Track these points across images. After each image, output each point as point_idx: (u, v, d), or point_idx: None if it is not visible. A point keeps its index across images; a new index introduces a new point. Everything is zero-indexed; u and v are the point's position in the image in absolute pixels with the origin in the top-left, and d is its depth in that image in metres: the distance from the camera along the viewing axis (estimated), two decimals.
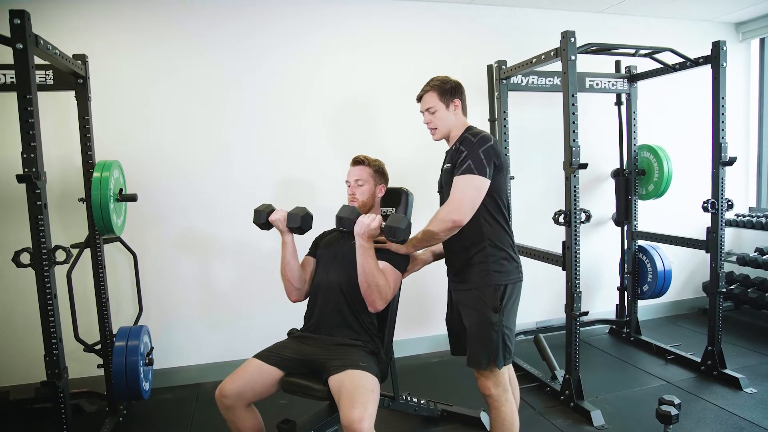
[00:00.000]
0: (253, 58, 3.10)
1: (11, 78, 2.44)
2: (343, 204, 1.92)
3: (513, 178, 3.06)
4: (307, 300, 2.12)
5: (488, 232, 1.84)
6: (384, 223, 1.81)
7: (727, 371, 2.86)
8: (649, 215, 3.69)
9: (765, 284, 3.75)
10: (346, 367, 1.74)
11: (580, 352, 2.65)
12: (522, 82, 3.13)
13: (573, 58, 2.45)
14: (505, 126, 3.09)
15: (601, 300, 3.87)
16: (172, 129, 3.00)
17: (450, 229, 1.77)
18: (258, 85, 3.12)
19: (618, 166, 3.60)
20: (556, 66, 2.75)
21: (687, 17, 3.96)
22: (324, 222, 2.23)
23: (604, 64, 3.43)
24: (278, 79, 3.15)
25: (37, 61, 1.97)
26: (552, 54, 2.57)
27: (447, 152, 1.97)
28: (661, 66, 3.14)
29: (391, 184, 2.25)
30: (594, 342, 3.61)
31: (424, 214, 2.53)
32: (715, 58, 2.82)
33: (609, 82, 3.42)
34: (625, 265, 3.60)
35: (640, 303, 3.67)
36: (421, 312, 3.46)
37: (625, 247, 3.61)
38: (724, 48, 2.80)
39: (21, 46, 1.81)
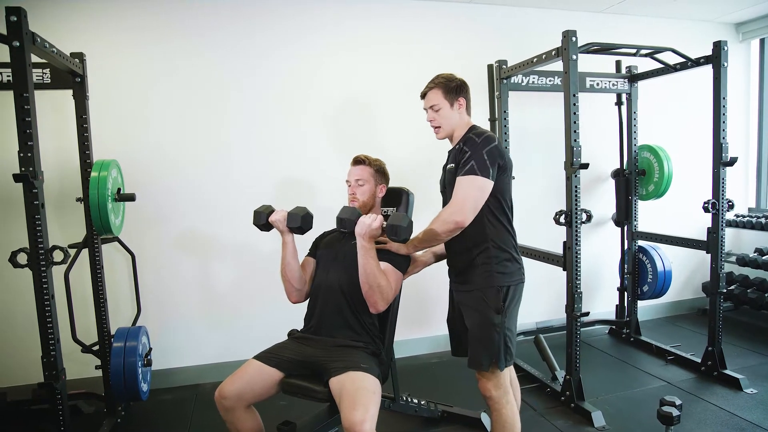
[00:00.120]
0: (253, 57, 3.08)
1: (8, 76, 2.41)
2: (344, 205, 1.91)
3: (513, 178, 3.04)
4: (307, 301, 2.10)
5: (491, 233, 1.82)
6: (385, 223, 1.80)
7: (727, 372, 2.86)
8: (649, 215, 3.69)
9: (764, 285, 3.74)
10: (347, 369, 1.73)
11: (581, 352, 2.64)
12: (522, 81, 3.12)
13: (574, 57, 2.44)
14: (505, 126, 3.08)
15: (601, 300, 3.86)
16: (171, 128, 2.99)
17: (452, 230, 1.75)
18: (258, 85, 3.10)
19: (618, 166, 3.59)
20: (557, 66, 2.75)
21: (687, 17, 3.96)
22: (324, 222, 2.22)
23: (605, 64, 3.43)
24: (278, 79, 3.13)
25: (34, 59, 1.96)
26: (553, 53, 2.56)
27: (450, 152, 1.96)
28: (661, 66, 3.13)
29: (391, 184, 2.23)
30: (594, 342, 3.60)
31: (425, 214, 2.52)
32: (716, 58, 2.81)
33: (609, 82, 3.42)
34: (625, 266, 3.60)
35: (640, 303, 3.66)
36: (421, 312, 3.45)
37: (625, 247, 3.60)
38: (725, 48, 2.79)
39: (17, 44, 1.79)
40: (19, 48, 1.79)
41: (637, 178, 3.53)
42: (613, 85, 3.43)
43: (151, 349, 2.65)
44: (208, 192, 3.05)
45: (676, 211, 3.88)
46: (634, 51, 2.87)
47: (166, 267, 3.02)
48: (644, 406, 2.59)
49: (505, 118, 3.08)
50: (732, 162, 2.83)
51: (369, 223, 1.78)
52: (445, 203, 1.96)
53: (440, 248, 2.05)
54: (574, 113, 2.47)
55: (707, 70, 2.93)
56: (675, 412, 2.05)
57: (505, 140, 3.06)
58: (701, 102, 3.66)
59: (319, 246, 2.17)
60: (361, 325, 1.95)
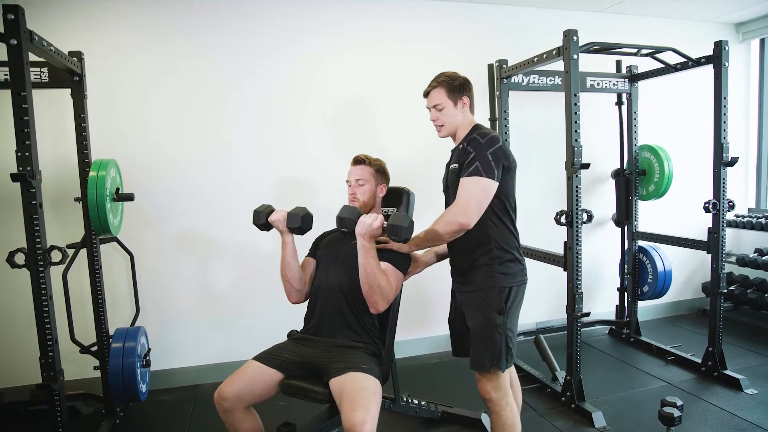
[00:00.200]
0: (253, 57, 3.07)
1: (5, 75, 2.39)
2: (344, 204, 1.90)
3: None
4: (307, 301, 2.09)
5: (494, 234, 1.81)
6: (386, 222, 1.79)
7: (727, 372, 2.85)
8: (649, 216, 3.68)
9: (764, 285, 3.74)
10: (347, 370, 1.72)
11: (581, 353, 2.63)
12: (523, 81, 3.11)
13: (575, 57, 2.43)
14: (505, 126, 3.07)
15: (601, 300, 3.86)
16: (171, 128, 2.97)
17: (456, 231, 1.74)
18: (258, 85, 3.09)
19: (618, 167, 3.58)
20: (557, 66, 2.74)
21: (687, 17, 3.95)
22: (324, 222, 2.21)
23: (605, 63, 3.42)
24: (278, 79, 3.12)
25: (32, 58, 1.94)
26: (554, 53, 2.55)
27: (453, 151, 1.95)
28: (662, 66, 3.13)
29: (391, 184, 2.22)
30: (594, 343, 3.59)
31: (426, 214, 2.51)
32: (717, 57, 2.81)
33: (610, 81, 3.41)
34: (626, 266, 3.59)
35: (640, 303, 3.66)
36: (421, 313, 3.44)
37: (626, 247, 3.59)
38: (726, 48, 2.79)
39: (15, 42, 1.77)
40: (17, 46, 1.78)
41: (637, 178, 3.53)
42: (614, 84, 3.43)
43: (149, 349, 2.64)
44: (208, 192, 3.04)
45: (676, 212, 3.88)
46: (635, 51, 2.87)
47: (165, 267, 3.01)
48: (645, 406, 2.59)
49: (505, 118, 3.07)
50: (733, 162, 2.82)
51: (369, 222, 1.77)
52: (447, 203, 1.95)
53: (442, 248, 2.04)
54: (575, 113, 2.46)
55: (707, 70, 2.92)
56: (676, 413, 2.04)
57: (506, 140, 3.06)
58: (701, 102, 3.66)
59: (319, 246, 2.16)
60: (361, 326, 1.94)
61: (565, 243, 2.54)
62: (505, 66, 3.05)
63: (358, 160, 2.12)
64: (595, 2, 3.56)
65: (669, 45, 2.84)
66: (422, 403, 2.51)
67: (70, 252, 2.38)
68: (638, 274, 3.58)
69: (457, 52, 3.39)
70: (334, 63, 3.20)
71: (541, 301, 3.66)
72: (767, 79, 4.18)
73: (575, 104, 2.46)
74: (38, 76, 2.43)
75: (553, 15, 3.59)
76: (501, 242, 1.82)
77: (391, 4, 3.30)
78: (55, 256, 1.97)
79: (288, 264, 1.98)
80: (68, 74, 2.41)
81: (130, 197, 2.53)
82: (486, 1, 3.45)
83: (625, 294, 3.64)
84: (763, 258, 3.71)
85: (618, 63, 3.53)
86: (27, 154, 1.82)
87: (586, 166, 2.46)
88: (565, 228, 2.56)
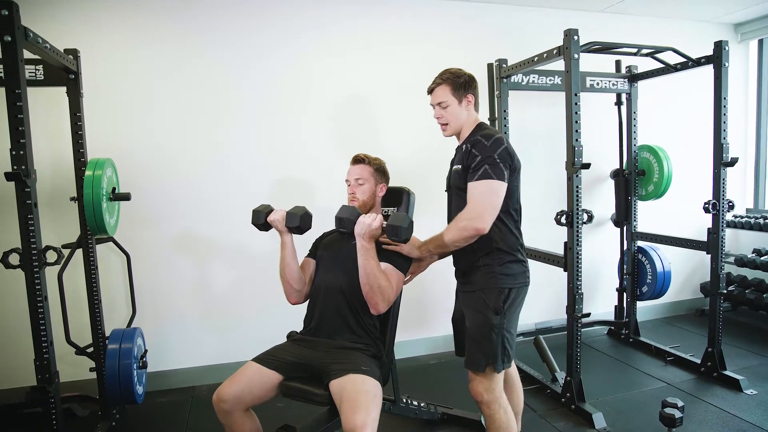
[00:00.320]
0: (253, 56, 3.04)
1: None
2: (343, 204, 1.88)
3: None
4: (306, 302, 2.07)
5: (496, 235, 1.79)
6: (385, 223, 1.77)
7: (727, 373, 2.85)
8: (648, 216, 3.68)
9: (763, 285, 3.74)
10: (347, 372, 1.70)
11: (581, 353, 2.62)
12: (522, 81, 3.10)
13: (576, 56, 2.42)
14: (505, 125, 3.06)
15: (600, 301, 3.85)
16: (168, 127, 2.94)
17: (472, 236, 1.71)
18: (257, 84, 3.06)
19: (618, 167, 3.58)
20: (556, 65, 2.74)
21: (686, 17, 3.95)
22: (324, 223, 2.18)
23: (604, 63, 3.41)
24: (278, 78, 3.09)
25: (27, 55, 1.92)
26: (555, 52, 2.54)
27: (456, 150, 1.92)
28: (661, 66, 3.13)
29: (391, 184, 2.20)
30: (593, 343, 3.59)
31: (426, 214, 2.50)
32: (717, 57, 2.81)
33: (609, 81, 3.40)
34: (625, 266, 3.58)
35: (638, 304, 3.65)
36: (420, 313, 3.42)
37: (625, 248, 3.59)
38: (726, 48, 2.78)
39: (9, 39, 1.74)
40: (11, 43, 1.75)
41: (636, 178, 3.52)
42: (613, 84, 3.42)
43: (146, 351, 2.62)
44: (206, 191, 3.01)
45: (675, 212, 3.88)
46: (635, 50, 2.86)
47: (162, 267, 2.98)
48: (645, 407, 2.58)
49: (505, 118, 3.06)
50: (733, 162, 2.82)
51: (369, 222, 1.75)
52: (450, 203, 1.93)
53: None
54: (576, 113, 2.45)
55: (706, 70, 2.92)
56: (677, 414, 2.04)
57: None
58: (701, 102, 3.67)
59: (319, 246, 2.14)
60: (361, 327, 1.92)
61: (566, 243, 2.53)
62: (504, 65, 3.04)
63: (357, 159, 2.09)
64: (595, 2, 3.56)
65: (668, 45, 2.84)
66: (422, 404, 2.49)
67: (66, 252, 2.36)
68: (637, 275, 3.57)
69: (456, 52, 3.37)
70: (333, 62, 3.18)
71: (540, 301, 3.65)
72: (765, 80, 4.19)
73: (576, 104, 2.44)
74: (33, 74, 2.40)
75: (552, 15, 3.58)
76: (502, 243, 1.79)
77: (391, 3, 3.28)
78: (51, 256, 1.94)
79: (287, 264, 1.96)
80: (64, 72, 2.37)
81: (126, 197, 2.50)
82: (486, 0, 3.43)
83: (624, 294, 3.64)
84: (762, 258, 3.71)
85: (617, 63, 3.53)
86: (22, 152, 1.79)
87: (587, 166, 2.45)
88: (563, 228, 2.55)
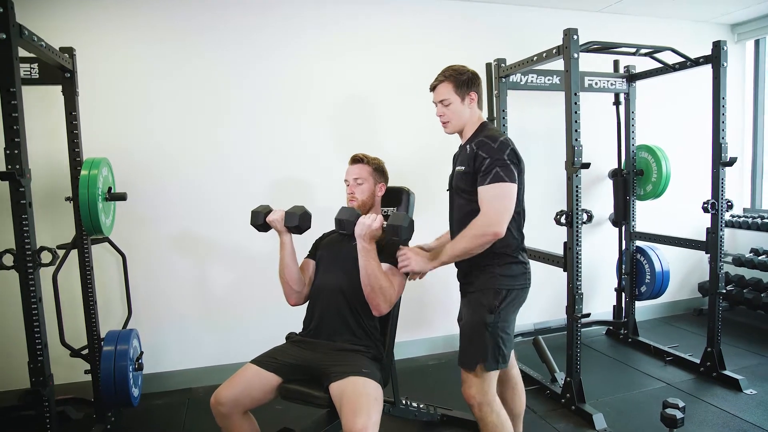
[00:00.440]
0: (252, 56, 3.02)
1: None
2: (342, 206, 1.86)
3: None
4: (306, 303, 2.04)
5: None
6: (385, 223, 1.75)
7: (726, 372, 2.84)
8: (647, 216, 3.67)
9: (760, 285, 3.75)
10: (348, 374, 1.67)
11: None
12: (521, 80, 3.09)
13: (576, 55, 2.41)
14: (504, 125, 3.05)
15: (599, 301, 3.85)
16: (164, 126, 2.91)
17: (489, 242, 1.68)
18: (256, 84, 3.04)
19: (616, 166, 3.57)
20: (555, 65, 2.73)
21: (683, 18, 3.96)
22: (323, 223, 2.16)
23: (602, 63, 3.41)
24: (277, 78, 3.07)
25: (22, 53, 1.89)
26: (554, 51, 2.53)
27: (461, 150, 1.88)
28: (660, 66, 3.13)
29: (391, 184, 2.18)
30: (591, 343, 3.58)
31: (426, 214, 2.48)
32: (715, 57, 2.81)
33: (608, 81, 3.40)
34: (623, 266, 3.58)
35: (636, 304, 3.65)
36: (418, 314, 3.40)
37: (623, 247, 3.58)
38: (725, 48, 2.79)
39: (4, 36, 1.71)
40: (6, 40, 1.72)
41: (634, 178, 3.52)
42: (612, 84, 3.42)
43: (142, 352, 2.59)
44: (203, 191, 2.98)
45: (673, 212, 3.87)
46: (633, 50, 2.86)
47: (158, 268, 2.95)
48: (645, 407, 2.57)
49: (503, 117, 3.05)
50: (731, 162, 2.82)
51: (369, 223, 1.73)
52: (451, 203, 1.91)
53: (436, 244, 2.00)
54: (575, 112, 2.44)
55: (704, 70, 2.92)
56: (679, 415, 2.02)
57: None
58: (699, 102, 3.67)
59: (319, 247, 2.11)
60: (362, 329, 1.90)
61: (565, 243, 2.52)
62: (503, 65, 3.03)
63: (356, 159, 2.07)
64: (593, 2, 3.56)
65: (665, 45, 2.84)
66: (421, 406, 2.48)
67: (61, 253, 2.32)
68: (636, 275, 3.57)
69: (456, 52, 3.33)
70: (333, 62, 3.16)
71: (538, 301, 3.64)
72: (762, 80, 4.20)
73: (575, 103, 2.44)
74: (28, 72, 2.37)
75: (550, 15, 3.58)
76: (503, 245, 1.75)
77: (392, 3, 3.27)
78: (45, 257, 1.91)
79: (287, 265, 1.94)
80: (59, 70, 2.35)
81: (122, 197, 2.47)
82: (486, 0, 3.43)
83: (623, 294, 3.63)
84: (759, 258, 3.72)
85: (615, 63, 3.52)
86: (16, 152, 1.76)
87: (587, 165, 2.45)
88: (562, 228, 2.54)
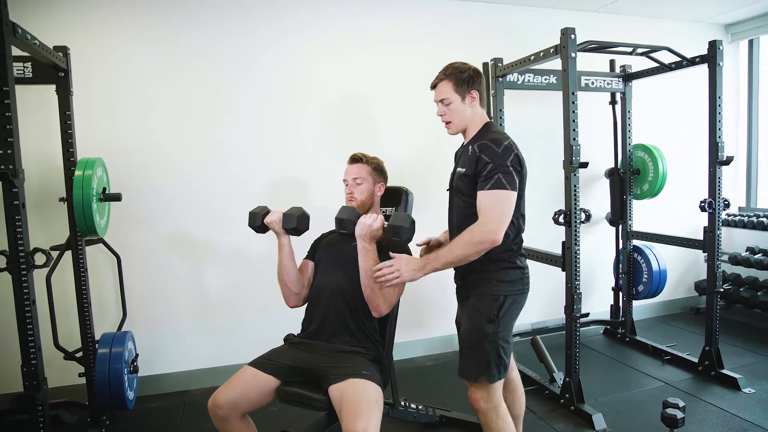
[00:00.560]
0: (249, 55, 2.99)
1: None
2: (342, 205, 1.84)
3: None
4: (305, 305, 2.02)
5: None
6: (386, 223, 1.73)
7: (724, 371, 2.85)
8: (643, 215, 3.68)
9: (756, 283, 3.76)
10: (347, 376, 1.66)
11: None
12: (518, 80, 3.08)
13: (573, 55, 2.41)
14: (501, 125, 3.05)
15: (596, 300, 3.84)
16: (160, 126, 2.88)
17: (486, 249, 1.64)
18: (254, 84, 3.01)
19: (612, 166, 3.58)
20: (551, 65, 2.73)
21: (677, 18, 3.97)
22: (322, 223, 2.15)
23: (598, 63, 3.41)
24: (275, 77, 3.04)
25: (16, 52, 1.86)
26: (551, 51, 2.53)
27: (463, 149, 1.85)
28: (656, 65, 3.13)
29: (389, 184, 2.17)
30: (589, 343, 3.58)
31: (425, 214, 2.47)
32: (711, 57, 2.81)
33: (604, 81, 3.40)
34: (620, 265, 3.58)
35: (633, 303, 3.65)
36: (416, 314, 3.39)
37: (620, 247, 3.59)
38: (721, 47, 2.80)
39: None
40: None
41: (631, 177, 3.52)
42: (608, 84, 3.42)
43: (137, 355, 2.56)
44: (200, 191, 2.95)
45: (670, 211, 3.88)
46: (630, 49, 2.87)
47: (154, 269, 2.91)
48: (644, 407, 2.57)
49: (500, 117, 3.05)
50: (728, 161, 2.83)
51: (369, 223, 1.71)
52: (450, 203, 1.89)
53: (445, 238, 1.98)
54: (573, 111, 2.43)
55: (699, 70, 2.93)
56: (679, 415, 2.01)
57: None
58: (694, 101, 3.67)
59: (318, 248, 2.09)
60: (361, 330, 1.88)
61: (564, 243, 2.51)
62: (500, 64, 3.02)
63: (355, 159, 2.06)
64: (589, 2, 3.56)
65: (659, 44, 2.84)
66: (420, 407, 2.46)
67: (55, 254, 2.29)
68: (633, 274, 3.57)
69: (457, 52, 3.31)
70: (332, 62, 3.14)
71: (536, 301, 3.63)
72: (756, 79, 4.22)
73: (573, 102, 2.43)
74: (21, 72, 2.34)
75: (550, 14, 3.58)
76: (501, 249, 1.71)
77: (392, 2, 3.26)
78: (39, 258, 1.88)
79: (285, 267, 1.92)
80: (53, 70, 2.32)
81: (117, 197, 2.44)
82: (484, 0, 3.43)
83: (620, 293, 3.63)
84: (755, 256, 3.73)
85: (611, 62, 3.52)
86: (9, 151, 1.73)
87: (585, 164, 2.44)
88: (558, 227, 2.53)
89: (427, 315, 3.42)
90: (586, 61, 3.06)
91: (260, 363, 1.80)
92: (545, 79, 3.15)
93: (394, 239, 1.72)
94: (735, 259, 3.84)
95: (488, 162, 1.65)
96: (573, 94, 2.43)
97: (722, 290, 2.97)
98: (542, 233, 2.89)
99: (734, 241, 4.16)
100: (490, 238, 1.61)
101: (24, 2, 2.57)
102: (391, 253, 1.73)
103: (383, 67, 3.25)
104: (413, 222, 1.71)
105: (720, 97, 2.82)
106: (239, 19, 2.97)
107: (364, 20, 3.22)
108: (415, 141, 3.27)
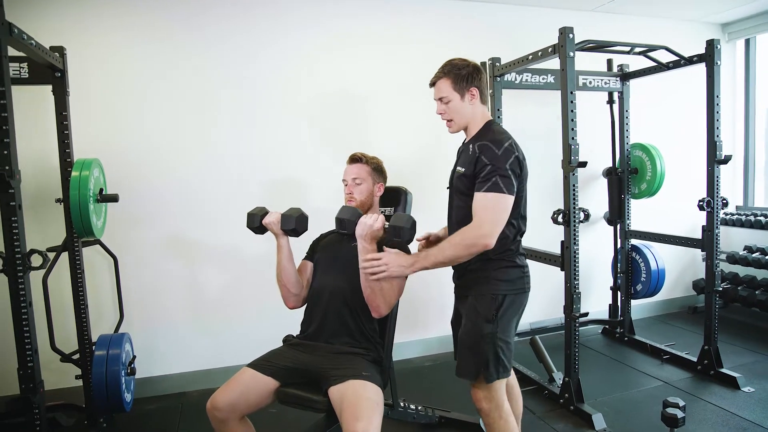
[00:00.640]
0: (245, 55, 2.98)
1: None
2: (343, 205, 1.83)
3: None
4: (304, 306, 2.01)
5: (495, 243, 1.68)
6: (387, 223, 1.72)
7: (724, 370, 2.85)
8: (641, 214, 3.68)
9: (754, 282, 3.77)
10: (347, 377, 1.65)
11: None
12: (516, 79, 3.08)
13: (571, 54, 2.41)
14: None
15: (594, 300, 3.84)
16: (157, 126, 2.86)
17: (478, 252, 1.62)
18: (250, 84, 3.00)
19: (610, 165, 3.58)
20: (548, 64, 2.72)
21: (674, 17, 3.98)
22: (321, 224, 2.14)
23: (596, 62, 3.41)
24: (272, 77, 3.03)
25: (12, 52, 1.85)
26: (550, 50, 2.52)
27: (464, 147, 1.83)
28: (653, 65, 3.13)
29: (389, 184, 2.16)
30: (588, 342, 3.58)
31: (425, 214, 2.46)
32: (709, 56, 2.82)
33: (602, 80, 3.41)
34: (619, 265, 3.58)
35: (632, 302, 3.65)
36: (414, 315, 3.38)
37: (618, 246, 3.59)
38: (719, 46, 2.80)
39: None
40: None
41: (629, 176, 3.53)
42: (606, 83, 3.42)
43: (134, 356, 2.54)
44: (197, 192, 2.94)
45: (668, 210, 3.89)
46: (628, 49, 2.87)
47: (151, 270, 2.90)
48: (644, 407, 2.57)
49: (498, 116, 3.04)
50: (726, 160, 2.83)
51: (370, 223, 1.70)
52: (450, 202, 1.87)
53: (444, 233, 1.96)
54: (572, 111, 2.43)
55: (696, 69, 2.93)
56: (680, 414, 2.01)
57: None
58: (692, 101, 3.68)
59: (317, 248, 2.08)
60: (361, 331, 1.87)
61: (563, 242, 2.51)
62: (498, 64, 3.02)
63: (354, 159, 2.05)
64: (586, 1, 3.56)
65: (657, 44, 2.84)
66: (419, 408, 2.45)
67: (51, 256, 2.29)
68: (631, 273, 3.57)
69: (455, 51, 3.27)
70: (329, 61, 3.13)
71: (534, 301, 3.58)
72: (753, 78, 4.23)
73: (571, 102, 2.43)
74: (17, 72, 2.32)
75: (543, 14, 3.58)
76: (500, 249, 1.69)
77: (391, 2, 3.25)
78: (35, 260, 1.87)
79: (284, 268, 1.91)
80: (50, 70, 2.31)
81: (114, 198, 2.43)
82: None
83: (619, 293, 3.63)
84: (753, 255, 3.74)
85: (609, 62, 3.53)
86: (6, 152, 1.72)
87: (584, 164, 2.44)
88: (557, 227, 2.52)
89: (425, 315, 3.41)
90: (584, 61, 3.07)
91: (259, 364, 1.79)
92: (543, 79, 3.15)
93: (394, 240, 1.70)
94: (733, 258, 3.85)
95: (487, 164, 1.62)
96: (571, 93, 2.42)
97: (720, 289, 2.97)
98: (541, 233, 2.89)
99: (732, 239, 4.16)
100: (482, 242, 1.59)
101: (20, 2, 2.55)
102: (385, 247, 1.71)
103: (383, 67, 3.24)
104: (414, 223, 1.70)
105: (718, 96, 2.82)
106: (237, 19, 2.96)
107: (364, 20, 3.21)
108: (415, 141, 3.27)
